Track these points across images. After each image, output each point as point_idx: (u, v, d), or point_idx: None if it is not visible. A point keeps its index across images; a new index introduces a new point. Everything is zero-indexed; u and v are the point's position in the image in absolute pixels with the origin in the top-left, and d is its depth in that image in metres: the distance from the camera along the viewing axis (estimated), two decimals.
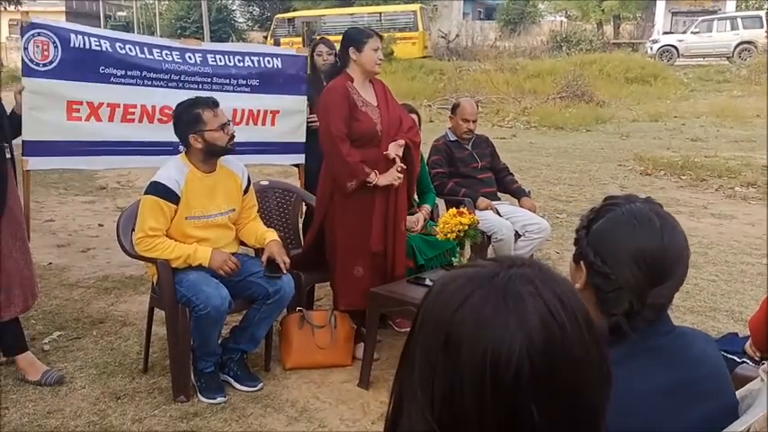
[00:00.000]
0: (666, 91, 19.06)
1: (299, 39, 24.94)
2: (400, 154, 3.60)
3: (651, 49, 25.04)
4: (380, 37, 3.67)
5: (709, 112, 15.54)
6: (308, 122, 4.79)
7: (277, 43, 25.58)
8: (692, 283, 4.78)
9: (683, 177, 9.02)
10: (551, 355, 0.73)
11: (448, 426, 0.75)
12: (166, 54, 4.25)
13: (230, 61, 4.47)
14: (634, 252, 1.25)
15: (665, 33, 28.23)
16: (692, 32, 24.82)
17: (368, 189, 3.57)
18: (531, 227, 4.56)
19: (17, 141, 3.88)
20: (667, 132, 13.29)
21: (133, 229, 3.41)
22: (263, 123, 4.66)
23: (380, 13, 26.42)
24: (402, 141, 3.61)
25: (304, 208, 4.55)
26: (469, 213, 3.54)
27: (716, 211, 7.28)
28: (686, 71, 22.04)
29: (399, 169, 3.59)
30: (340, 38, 3.73)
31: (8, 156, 3.44)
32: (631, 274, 1.24)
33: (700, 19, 25.95)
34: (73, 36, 3.94)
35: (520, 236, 4.53)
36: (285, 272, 3.40)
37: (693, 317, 4.27)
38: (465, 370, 0.74)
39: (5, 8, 21.83)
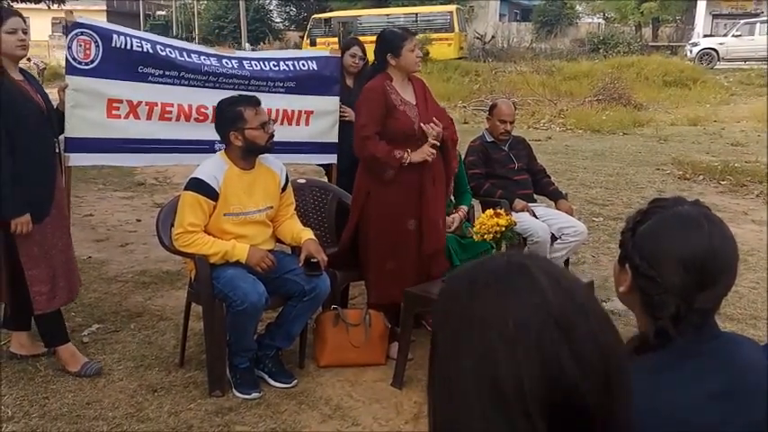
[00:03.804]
0: (706, 95, 18.72)
1: (335, 39, 25.00)
2: (436, 132, 3.58)
3: (690, 52, 24.57)
4: (414, 34, 3.69)
5: (750, 117, 15.20)
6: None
7: (313, 43, 25.76)
8: (731, 290, 4.67)
9: (722, 183, 8.84)
10: (565, 306, 0.80)
11: (487, 391, 0.78)
12: (204, 58, 4.31)
13: (266, 66, 4.51)
14: (682, 255, 1.22)
15: (706, 36, 27.71)
16: (733, 36, 24.32)
17: (404, 185, 3.57)
18: (567, 230, 4.50)
19: (59, 138, 3.95)
20: (707, 137, 13.05)
21: (172, 225, 3.45)
22: (297, 123, 4.68)
23: (416, 14, 26.43)
24: (436, 128, 3.59)
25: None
26: (506, 214, 3.52)
27: (756, 217, 7.12)
28: (726, 75, 21.61)
29: (432, 145, 3.56)
30: (375, 38, 3.74)
31: (56, 151, 3.53)
32: (678, 277, 1.22)
33: (741, 22, 25.43)
34: (115, 36, 3.99)
35: (556, 238, 4.48)
36: (324, 270, 3.42)
37: (733, 324, 4.19)
38: (491, 334, 0.79)
39: (49, 7, 22.24)
